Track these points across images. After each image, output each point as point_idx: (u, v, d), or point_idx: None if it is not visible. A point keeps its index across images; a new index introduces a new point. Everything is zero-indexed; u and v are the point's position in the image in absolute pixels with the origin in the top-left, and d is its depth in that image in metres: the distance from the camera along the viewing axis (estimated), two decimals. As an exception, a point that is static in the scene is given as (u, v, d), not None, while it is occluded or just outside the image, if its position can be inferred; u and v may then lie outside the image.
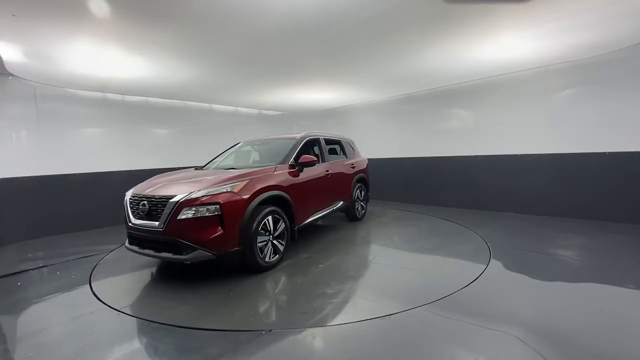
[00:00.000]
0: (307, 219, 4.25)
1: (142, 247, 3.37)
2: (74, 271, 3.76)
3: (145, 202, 3.31)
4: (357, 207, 5.75)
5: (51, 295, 3.16)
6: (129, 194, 3.61)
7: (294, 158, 4.17)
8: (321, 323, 2.41)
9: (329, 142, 5.35)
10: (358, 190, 5.78)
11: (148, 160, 6.66)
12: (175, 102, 7.28)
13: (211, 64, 4.73)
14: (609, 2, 3.18)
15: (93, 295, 3.08)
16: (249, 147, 5.20)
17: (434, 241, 4.45)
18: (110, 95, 6.30)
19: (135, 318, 2.63)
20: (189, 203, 3.06)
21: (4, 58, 4.14)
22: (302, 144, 4.47)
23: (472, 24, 3.57)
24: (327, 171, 4.79)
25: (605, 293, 2.81)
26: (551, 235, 4.49)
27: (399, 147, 7.71)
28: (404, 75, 5.71)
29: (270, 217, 3.50)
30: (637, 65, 4.61)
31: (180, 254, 3.08)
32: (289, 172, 3.99)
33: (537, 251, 3.81)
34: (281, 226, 3.66)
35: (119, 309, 2.77)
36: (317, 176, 4.52)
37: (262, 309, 2.74)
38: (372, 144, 7.68)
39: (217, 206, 3.09)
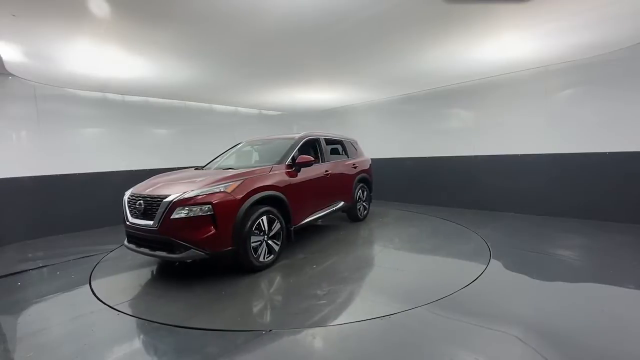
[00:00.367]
0: (304, 220, 4.24)
1: (138, 245, 3.44)
2: (74, 271, 3.76)
3: (142, 201, 3.36)
4: (359, 207, 5.69)
5: (51, 295, 3.16)
6: (127, 194, 3.66)
7: (292, 158, 4.16)
8: (321, 323, 2.41)
9: (329, 142, 5.32)
10: (360, 191, 5.72)
11: (148, 160, 6.66)
12: (175, 102, 7.28)
13: (211, 64, 4.73)
14: (609, 2, 3.17)
15: (93, 295, 3.09)
16: (249, 147, 5.19)
17: (435, 241, 4.44)
18: (110, 95, 6.30)
19: (135, 318, 2.63)
20: (182, 203, 3.09)
21: (4, 58, 4.14)
22: (300, 144, 4.47)
23: (472, 24, 3.57)
24: (326, 171, 4.77)
25: (605, 293, 2.81)
26: (551, 235, 4.49)
27: (399, 147, 7.71)
28: (404, 75, 5.71)
29: (264, 217, 3.50)
30: (637, 65, 4.61)
31: (174, 252, 3.12)
32: (286, 172, 3.98)
33: (537, 251, 3.81)
34: (276, 226, 3.66)
35: (116, 307, 2.78)
36: (316, 176, 4.50)
37: (254, 308, 2.75)
38: (372, 144, 7.65)
39: (210, 206, 3.11)
